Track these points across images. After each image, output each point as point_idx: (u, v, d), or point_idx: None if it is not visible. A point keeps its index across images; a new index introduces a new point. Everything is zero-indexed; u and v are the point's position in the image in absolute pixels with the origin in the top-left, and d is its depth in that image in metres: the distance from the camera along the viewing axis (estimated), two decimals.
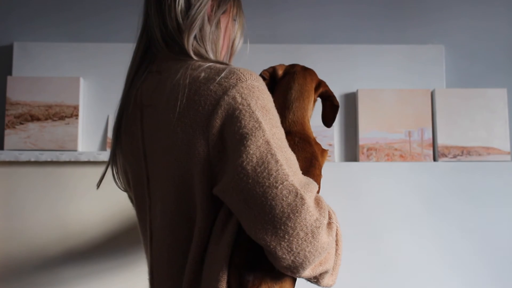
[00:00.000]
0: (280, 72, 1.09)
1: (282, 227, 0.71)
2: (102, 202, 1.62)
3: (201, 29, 0.91)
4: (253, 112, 0.76)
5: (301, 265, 0.74)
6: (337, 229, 0.83)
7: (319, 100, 1.11)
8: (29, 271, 1.60)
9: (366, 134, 1.75)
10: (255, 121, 0.76)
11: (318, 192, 0.94)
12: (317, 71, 1.09)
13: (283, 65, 1.11)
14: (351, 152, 1.79)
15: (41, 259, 1.60)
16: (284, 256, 0.72)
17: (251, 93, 0.78)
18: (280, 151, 0.75)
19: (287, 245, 0.72)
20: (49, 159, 1.62)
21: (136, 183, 0.98)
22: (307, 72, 1.06)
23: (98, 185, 1.03)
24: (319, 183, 0.94)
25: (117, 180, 1.03)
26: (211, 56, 0.91)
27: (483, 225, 1.66)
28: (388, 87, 1.79)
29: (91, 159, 1.62)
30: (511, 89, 1.83)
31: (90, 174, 1.62)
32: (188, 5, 0.91)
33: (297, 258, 0.73)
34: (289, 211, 0.71)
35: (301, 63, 1.16)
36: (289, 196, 0.72)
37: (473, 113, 1.75)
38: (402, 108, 1.76)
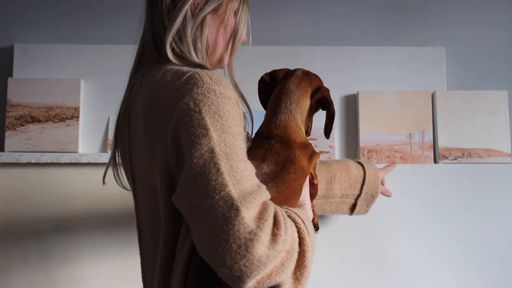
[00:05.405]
0: (280, 74, 1.07)
1: (217, 239, 0.67)
2: (103, 203, 1.62)
3: (184, 28, 0.90)
4: (202, 119, 0.74)
5: (240, 279, 0.68)
6: (303, 239, 0.78)
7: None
8: (29, 272, 1.60)
9: (366, 136, 1.74)
10: (203, 128, 0.73)
11: (297, 197, 0.92)
12: (318, 73, 1.06)
13: (287, 68, 1.09)
14: (352, 154, 1.78)
15: (40, 261, 1.60)
16: (219, 269, 0.68)
17: (205, 98, 0.75)
18: (225, 159, 0.71)
19: (221, 257, 0.67)
20: (49, 161, 1.62)
21: (129, 184, 1.01)
22: (306, 76, 1.04)
23: (103, 180, 1.05)
24: (296, 187, 0.91)
25: (118, 181, 1.04)
26: (193, 56, 0.90)
27: (484, 227, 1.66)
28: (389, 89, 1.79)
29: (92, 161, 1.62)
30: None
31: (90, 176, 1.62)
32: (173, 3, 0.90)
33: (232, 272, 0.67)
34: (222, 222, 0.67)
35: (302, 65, 1.15)
36: (225, 207, 0.67)
37: (474, 115, 1.75)
38: (403, 110, 1.75)
